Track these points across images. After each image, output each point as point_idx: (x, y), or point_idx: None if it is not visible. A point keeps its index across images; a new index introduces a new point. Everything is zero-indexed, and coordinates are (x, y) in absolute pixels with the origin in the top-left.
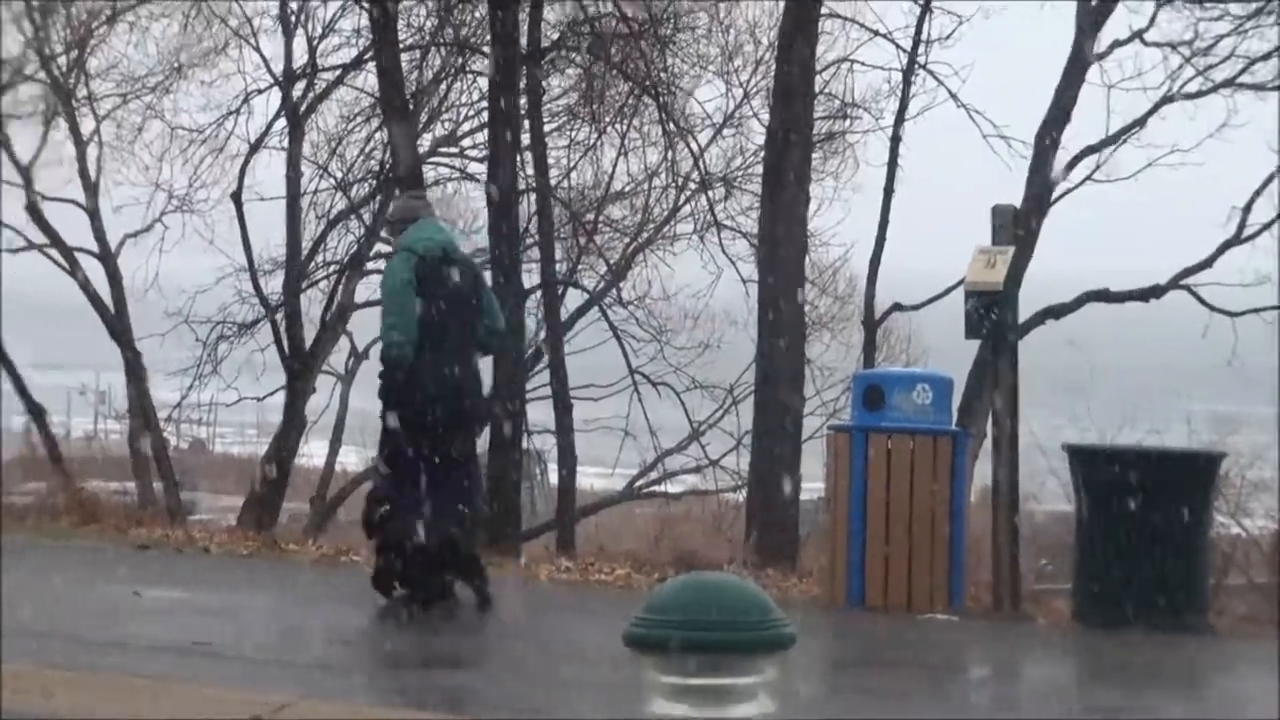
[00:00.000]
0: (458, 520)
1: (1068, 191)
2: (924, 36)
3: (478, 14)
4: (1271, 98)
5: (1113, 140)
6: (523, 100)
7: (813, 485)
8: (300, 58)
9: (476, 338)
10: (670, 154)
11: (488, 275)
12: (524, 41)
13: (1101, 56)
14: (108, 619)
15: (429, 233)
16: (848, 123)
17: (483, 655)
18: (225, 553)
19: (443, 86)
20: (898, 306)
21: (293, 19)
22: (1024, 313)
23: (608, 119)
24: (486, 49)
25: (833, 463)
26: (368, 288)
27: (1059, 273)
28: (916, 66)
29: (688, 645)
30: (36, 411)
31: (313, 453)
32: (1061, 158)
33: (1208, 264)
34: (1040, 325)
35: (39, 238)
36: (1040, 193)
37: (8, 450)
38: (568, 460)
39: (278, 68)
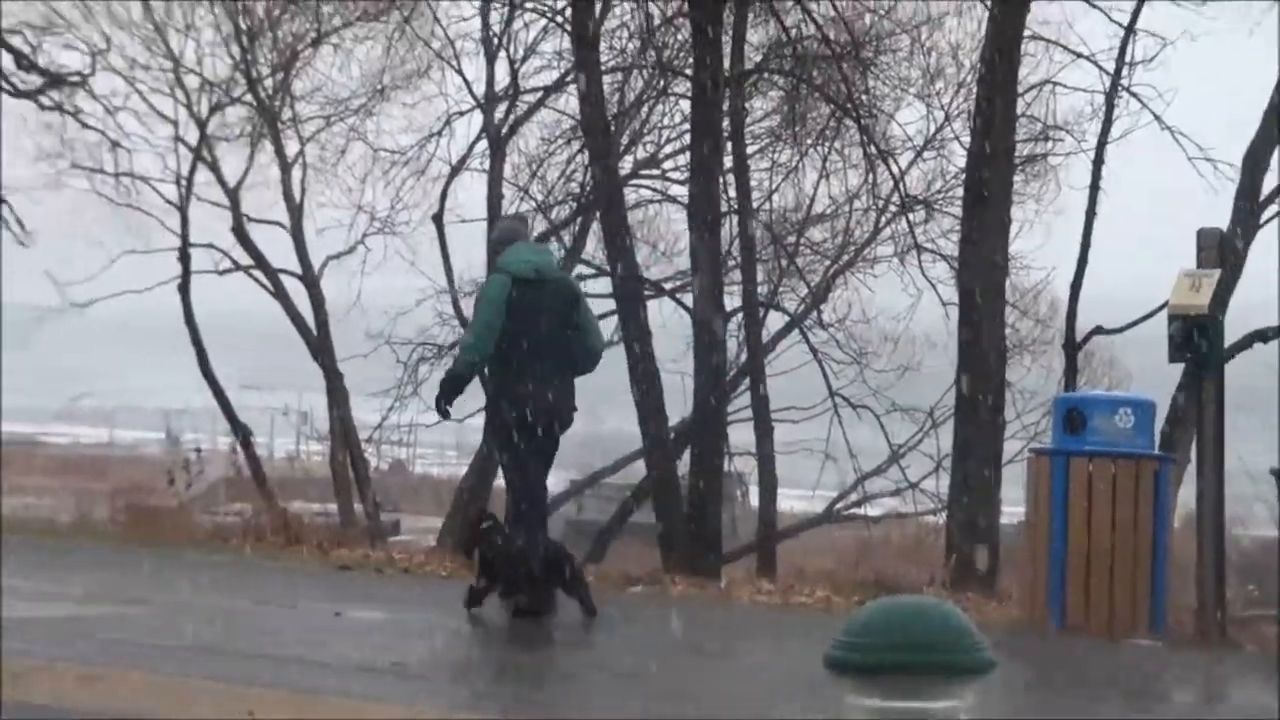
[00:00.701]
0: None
1: (1278, 214)
2: (1128, 59)
3: (680, 36)
4: None
5: None
6: (725, 122)
7: (1013, 509)
8: (502, 80)
9: (572, 357)
10: (871, 176)
11: (688, 298)
12: (726, 64)
13: None
14: (309, 639)
15: (525, 254)
16: (1050, 145)
17: (684, 678)
18: (425, 574)
19: (644, 109)
20: (1099, 330)
21: (495, 41)
22: (1231, 336)
23: (809, 141)
24: (688, 71)
25: (1033, 486)
26: None
27: (1269, 296)
28: (1120, 89)
29: (886, 668)
30: (241, 432)
31: None
32: (1270, 180)
33: None
34: (1248, 349)
35: (245, 259)
36: (1248, 215)
37: (214, 471)
38: (768, 482)
39: (479, 90)
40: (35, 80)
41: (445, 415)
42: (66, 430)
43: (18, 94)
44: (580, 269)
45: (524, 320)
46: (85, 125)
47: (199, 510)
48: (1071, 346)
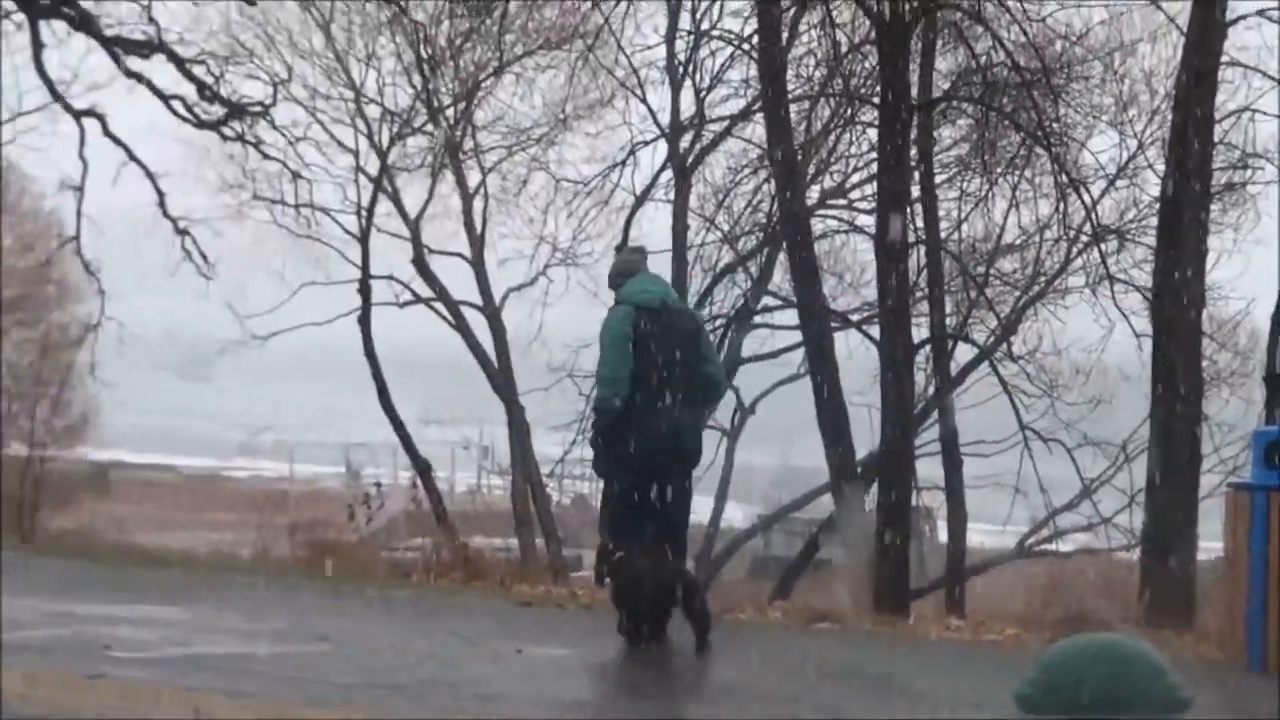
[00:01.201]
0: (679, 563)
1: None
2: None
3: (867, 64)
4: None
5: None
6: (913, 151)
7: (1210, 544)
8: (687, 109)
9: (696, 387)
10: (1062, 206)
11: (875, 330)
12: (914, 91)
13: None
14: (490, 675)
15: (646, 285)
16: (1249, 173)
17: (873, 714)
18: (607, 609)
19: (831, 137)
20: None
21: (680, 70)
22: None
23: (998, 170)
24: (875, 99)
25: (1232, 521)
26: (755, 340)
27: None
28: None
29: (1079, 707)
30: (422, 467)
31: (697, 508)
32: None
33: None
34: None
35: (425, 291)
36: None
37: (393, 505)
38: (957, 517)
39: (664, 119)
40: (218, 111)
41: (610, 459)
42: (248, 464)
43: (200, 124)
44: (766, 300)
45: (649, 352)
46: (266, 156)
47: (379, 545)
48: (1273, 379)
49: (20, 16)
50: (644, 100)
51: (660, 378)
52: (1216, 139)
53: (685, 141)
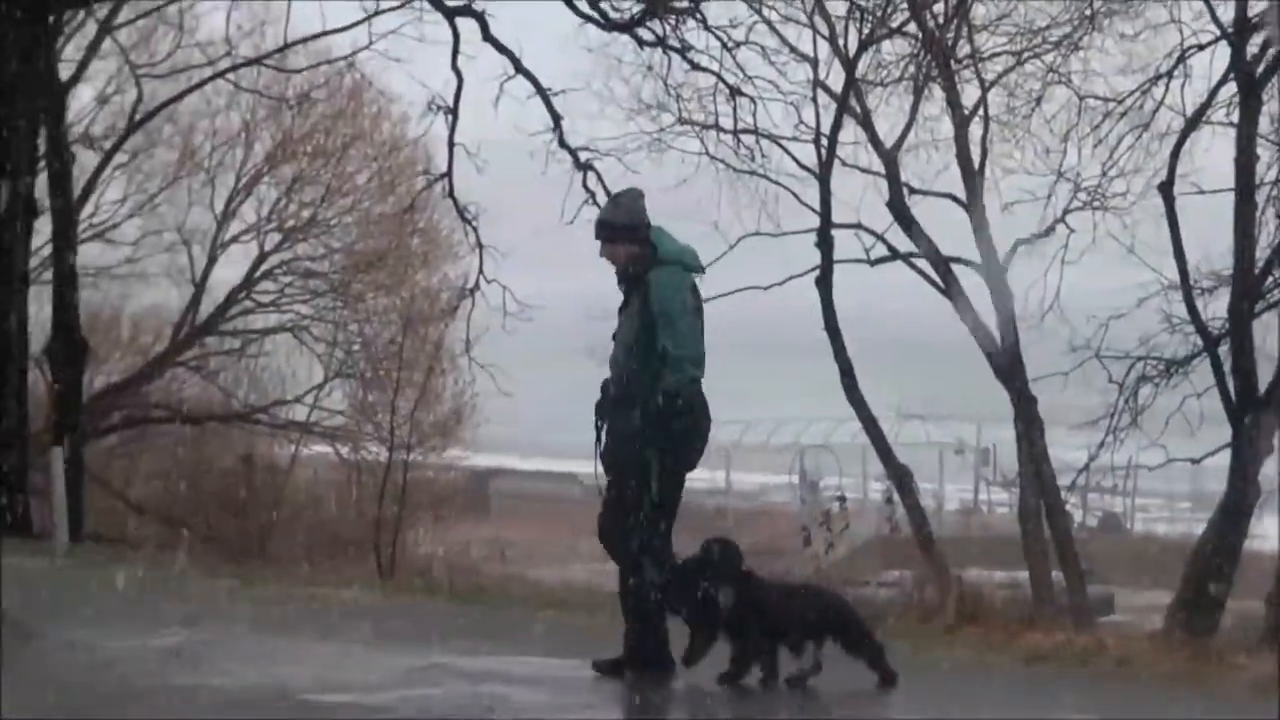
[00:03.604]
0: None
1: None
2: None
3: None
4: None
5: None
6: None
7: None
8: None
9: None
10: None
11: None
12: None
13: None
14: None
15: (680, 244)
16: None
17: None
18: (1149, 668)
19: None
20: None
21: None
22: None
23: None
24: None
25: None
26: None
27: None
28: None
29: None
30: (899, 476)
31: (1266, 532)
32: None
33: None
34: None
35: (904, 244)
36: None
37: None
38: None
39: (1226, 16)
40: (631, 7)
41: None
42: None
43: (609, 26)
44: None
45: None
46: (696, 67)
47: (842, 579)
48: None
49: None
50: None
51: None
52: None
53: (1254, 45)
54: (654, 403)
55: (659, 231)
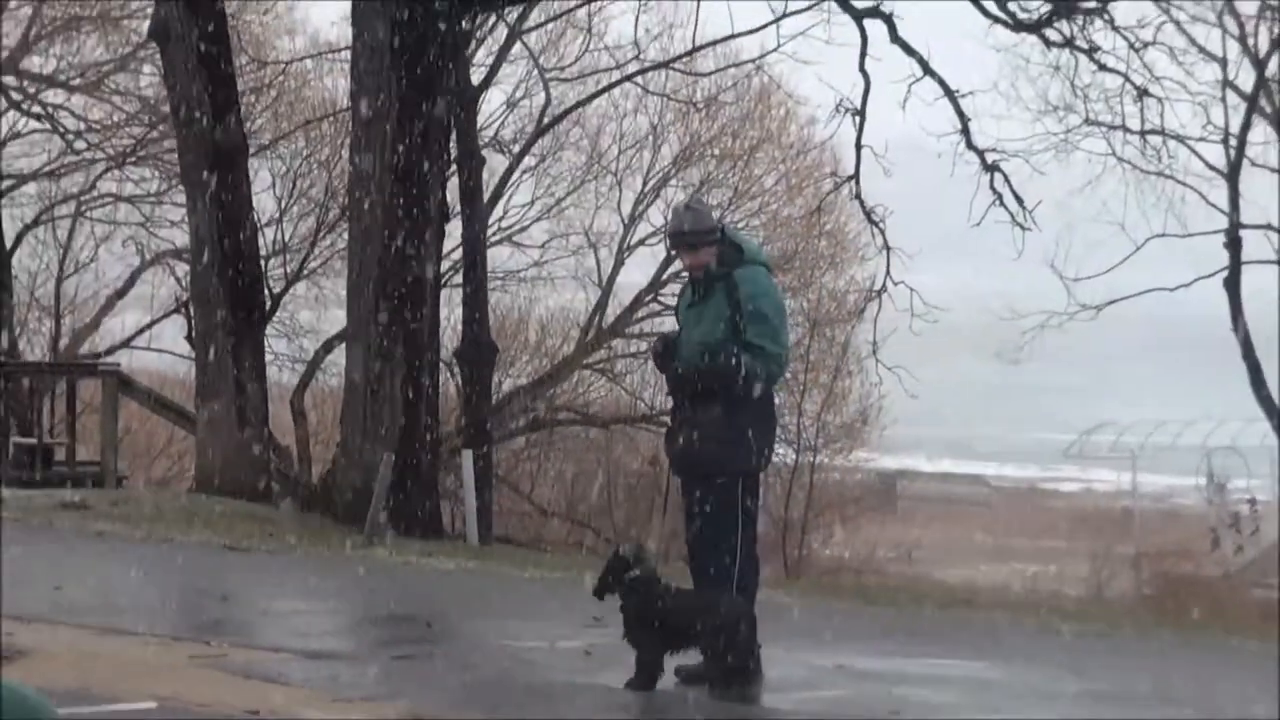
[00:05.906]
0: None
1: None
2: None
3: None
4: None
5: None
6: None
7: None
8: None
9: None
10: None
11: None
12: None
13: None
14: None
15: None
16: None
17: None
18: None
19: None
20: None
21: None
22: None
23: None
24: None
25: None
26: None
27: None
28: None
29: None
30: None
31: None
32: None
33: None
34: None
35: None
36: None
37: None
38: None
39: None
40: (1039, 8)
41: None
42: (1077, 475)
43: (1017, 26)
44: None
45: None
46: (1103, 68)
47: (1250, 582)
48: None
49: None
50: None
51: None
52: None
53: None
54: (749, 400)
55: (735, 230)
